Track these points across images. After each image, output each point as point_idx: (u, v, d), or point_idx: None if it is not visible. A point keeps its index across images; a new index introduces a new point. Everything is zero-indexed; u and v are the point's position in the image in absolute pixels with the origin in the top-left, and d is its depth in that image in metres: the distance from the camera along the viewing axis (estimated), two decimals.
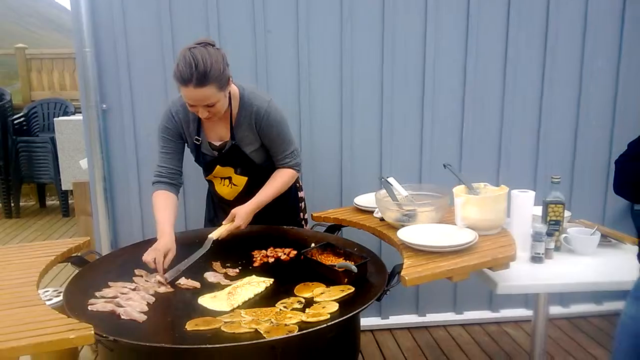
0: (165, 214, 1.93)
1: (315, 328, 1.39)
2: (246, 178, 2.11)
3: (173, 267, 1.80)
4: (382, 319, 3.07)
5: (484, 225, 1.84)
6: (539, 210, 2.07)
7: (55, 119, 4.49)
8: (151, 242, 1.94)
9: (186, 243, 2.02)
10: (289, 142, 2.09)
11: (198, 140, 2.06)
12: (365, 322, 2.98)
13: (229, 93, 1.97)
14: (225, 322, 1.51)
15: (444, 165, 2.07)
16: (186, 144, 2.12)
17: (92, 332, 1.24)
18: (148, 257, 1.78)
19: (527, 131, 2.94)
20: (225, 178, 2.13)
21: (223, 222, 2.01)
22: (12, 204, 5.39)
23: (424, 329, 3.08)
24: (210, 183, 2.20)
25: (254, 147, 2.06)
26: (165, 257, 1.79)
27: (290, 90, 2.72)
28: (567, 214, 2.11)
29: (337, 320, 1.42)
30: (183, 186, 2.63)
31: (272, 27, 2.65)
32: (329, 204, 2.62)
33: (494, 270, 1.70)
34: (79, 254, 1.86)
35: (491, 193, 1.94)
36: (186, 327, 1.48)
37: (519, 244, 1.83)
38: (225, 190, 2.15)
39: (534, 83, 2.90)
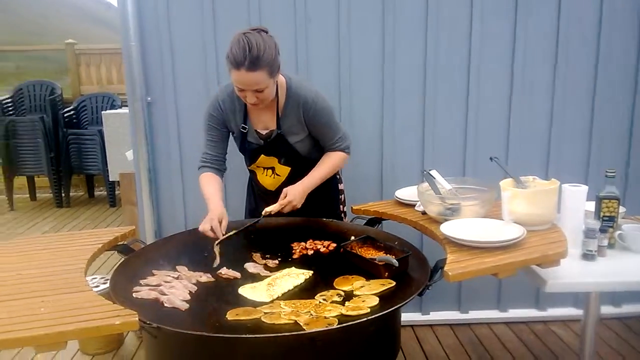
0: (213, 189, 2.05)
1: (356, 322, 1.37)
2: (289, 168, 2.11)
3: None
4: (422, 314, 3.01)
5: (532, 221, 1.77)
6: (591, 206, 1.98)
7: (103, 112, 4.62)
8: (192, 232, 1.97)
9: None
10: (337, 128, 2.12)
11: (245, 129, 2.07)
12: (406, 317, 2.94)
13: (277, 82, 1.97)
14: (265, 313, 1.51)
15: (491, 158, 2.00)
16: (231, 133, 2.14)
17: (137, 319, 1.25)
18: (204, 226, 1.88)
19: (578, 122, 2.82)
20: (268, 168, 2.14)
21: (279, 202, 2.04)
22: (63, 194, 5.59)
23: (467, 326, 3.01)
24: (253, 173, 2.22)
25: (299, 138, 2.07)
26: (220, 223, 1.90)
27: (331, 80, 2.69)
28: (621, 209, 2.00)
29: (377, 315, 1.40)
30: (224, 178, 2.70)
31: (313, 16, 2.62)
32: (369, 197, 2.58)
33: (543, 267, 1.63)
34: (125, 243, 1.90)
35: (541, 187, 1.86)
36: (227, 316, 1.49)
37: (570, 241, 1.75)
38: (267, 180, 2.16)
39: (586, 72, 2.76)
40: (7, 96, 5.61)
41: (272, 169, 2.14)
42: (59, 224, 5.11)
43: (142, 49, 2.59)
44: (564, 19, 2.68)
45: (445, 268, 1.53)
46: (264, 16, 2.60)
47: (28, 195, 5.88)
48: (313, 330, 1.36)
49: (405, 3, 2.64)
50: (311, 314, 1.48)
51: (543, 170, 2.82)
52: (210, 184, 2.07)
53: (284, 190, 2.03)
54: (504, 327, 3.00)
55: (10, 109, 5.60)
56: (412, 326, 3.00)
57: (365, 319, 1.38)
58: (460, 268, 1.53)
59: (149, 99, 2.66)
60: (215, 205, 1.97)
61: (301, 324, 1.42)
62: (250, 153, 2.13)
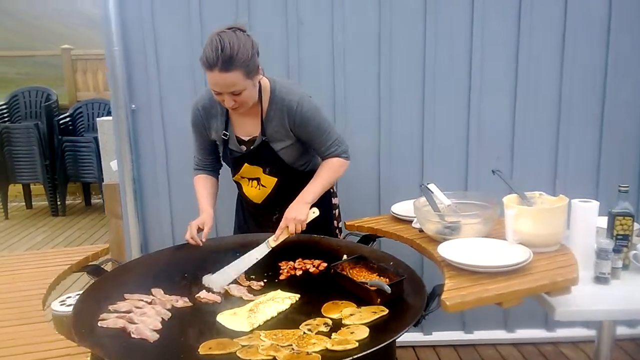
0: (204, 193, 2.03)
1: None
2: (275, 179, 1.97)
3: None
4: (424, 334, 2.85)
5: (539, 242, 1.61)
6: (603, 223, 1.81)
7: (98, 119, 4.50)
8: (171, 251, 1.85)
9: (211, 250, 1.92)
10: (330, 132, 1.97)
11: (226, 135, 1.94)
12: (406, 337, 2.72)
13: (259, 86, 1.84)
14: (242, 346, 1.36)
15: (493, 172, 1.84)
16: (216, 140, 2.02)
17: (88, 359, 1.11)
18: (187, 235, 1.87)
19: (588, 134, 2.65)
20: (253, 179, 2.00)
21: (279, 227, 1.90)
22: (59, 202, 5.48)
23: (471, 347, 2.83)
24: (239, 185, 2.08)
25: (284, 145, 1.92)
26: (200, 230, 1.88)
27: (324, 87, 2.55)
28: (636, 227, 1.84)
29: (365, 353, 1.24)
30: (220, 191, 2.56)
31: (305, 18, 2.48)
32: (365, 211, 2.42)
33: (552, 295, 1.47)
34: (96, 263, 1.76)
35: (548, 204, 1.70)
36: (199, 350, 1.34)
37: (580, 262, 1.59)
38: (253, 192, 2.02)
39: (595, 78, 2.60)
40: (1, 102, 5.51)
41: (258, 179, 2.00)
42: (52, 233, 4.99)
43: (125, 53, 2.47)
44: (571, 20, 2.52)
45: (443, 296, 1.38)
46: (254, 19, 2.47)
47: (24, 203, 5.77)
48: None
49: (402, 5, 2.49)
50: (292, 349, 1.33)
51: (550, 183, 2.65)
52: (201, 188, 2.05)
53: (284, 215, 1.90)
54: (511, 348, 2.82)
55: (5, 115, 5.50)
56: (413, 347, 2.84)
57: (350, 358, 1.22)
58: (460, 297, 1.37)
59: (133, 106, 2.53)
60: (202, 211, 1.96)
61: None
62: (233, 162, 2.00)
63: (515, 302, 1.40)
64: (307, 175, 1.98)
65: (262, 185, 2.00)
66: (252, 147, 1.94)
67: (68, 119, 5.50)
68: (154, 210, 2.67)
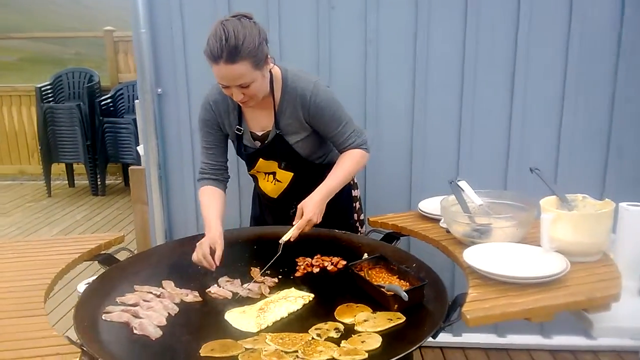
0: (211, 209, 1.83)
1: None
2: (291, 174, 1.87)
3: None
4: (453, 335, 2.71)
5: (579, 250, 1.45)
6: None
7: (136, 100, 4.53)
8: (197, 238, 1.78)
9: (227, 243, 1.84)
10: (347, 122, 1.84)
11: (240, 130, 1.85)
12: None
13: (271, 76, 1.74)
14: (245, 349, 1.29)
15: (531, 170, 1.68)
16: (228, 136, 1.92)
17: None
18: (195, 256, 1.68)
19: None
20: (269, 173, 1.91)
21: (293, 222, 1.77)
22: (99, 182, 5.59)
23: (504, 351, 2.68)
24: (255, 178, 2.00)
25: (299, 137, 1.82)
26: (213, 252, 1.68)
27: (355, 74, 2.41)
28: None
29: None
30: (239, 182, 2.49)
31: (337, 2, 2.35)
32: (395, 207, 2.29)
33: (589, 312, 1.32)
34: (108, 252, 1.72)
35: (591, 209, 1.54)
36: (200, 351, 1.28)
37: (627, 272, 1.44)
38: (268, 186, 1.94)
39: None
40: (46, 83, 5.64)
41: (273, 174, 1.91)
42: (92, 212, 5.09)
43: (152, 37, 2.41)
44: (629, 18, 2.28)
45: (464, 308, 1.26)
46: (283, 3, 2.35)
47: (67, 182, 5.92)
48: None
49: None
50: (297, 356, 1.25)
51: (599, 186, 2.43)
52: (207, 203, 1.86)
53: (299, 206, 1.76)
54: (547, 355, 2.66)
55: (49, 95, 5.63)
56: (441, 348, 2.71)
57: None
58: (483, 310, 1.25)
59: (160, 90, 2.48)
60: (209, 229, 1.75)
61: None
62: (248, 157, 1.91)
63: (546, 319, 1.26)
64: (324, 168, 1.87)
65: (278, 180, 1.91)
66: (266, 142, 1.85)
67: (109, 100, 5.57)
68: (179, 197, 2.63)
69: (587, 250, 1.45)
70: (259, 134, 1.86)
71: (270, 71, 1.74)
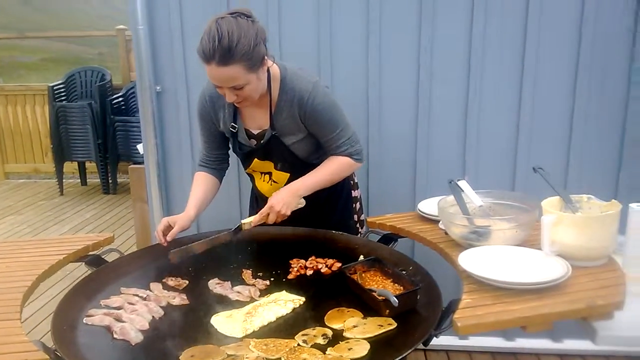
0: (194, 192, 1.87)
1: None
2: (288, 175, 1.82)
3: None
4: (459, 338, 2.63)
5: (582, 255, 1.37)
6: None
7: None
8: (193, 238, 1.75)
9: (226, 243, 1.80)
10: (344, 128, 1.77)
11: (234, 128, 1.80)
12: (439, 340, 2.53)
13: (269, 75, 1.68)
14: (227, 355, 1.24)
15: (534, 169, 1.60)
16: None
17: None
18: (156, 229, 1.74)
19: None
20: (265, 173, 1.86)
21: (259, 212, 1.75)
22: (110, 181, 5.61)
23: (511, 355, 2.60)
24: (251, 177, 1.95)
25: (296, 138, 1.76)
26: (169, 228, 1.71)
27: (358, 68, 2.34)
28: None
29: None
30: (239, 182, 2.45)
31: None
32: (398, 207, 2.22)
33: (590, 320, 1.24)
34: (96, 253, 1.68)
35: (596, 210, 1.45)
36: (180, 357, 1.23)
37: (634, 275, 1.35)
38: (265, 186, 1.89)
39: None
40: (59, 82, 5.67)
41: (269, 174, 1.85)
42: (101, 210, 5.11)
43: (150, 32, 2.38)
44: None
45: (456, 315, 1.19)
46: None
47: (79, 180, 5.96)
48: None
49: None
50: None
51: (612, 185, 2.32)
52: (195, 185, 1.89)
53: (270, 197, 1.74)
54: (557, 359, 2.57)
55: (62, 94, 5.66)
56: (446, 351, 2.64)
57: None
58: (475, 317, 1.18)
59: (158, 88, 2.44)
60: (186, 209, 1.80)
61: None
62: (243, 156, 1.86)
63: (543, 327, 1.19)
64: None
65: (274, 181, 1.86)
66: (261, 142, 1.79)
67: (121, 99, 5.58)
68: (178, 195, 2.59)
69: (591, 255, 1.37)
70: (255, 132, 1.81)
71: (268, 69, 1.69)
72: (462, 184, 1.66)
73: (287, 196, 1.71)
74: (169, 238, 1.69)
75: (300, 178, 1.75)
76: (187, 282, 1.60)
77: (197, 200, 1.82)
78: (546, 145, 2.35)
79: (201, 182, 1.88)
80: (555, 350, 2.59)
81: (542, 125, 2.33)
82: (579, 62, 2.25)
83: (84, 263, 1.63)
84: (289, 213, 1.71)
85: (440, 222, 1.70)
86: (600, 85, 2.27)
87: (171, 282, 1.60)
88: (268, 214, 1.70)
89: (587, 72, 2.25)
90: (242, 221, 1.70)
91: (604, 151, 2.33)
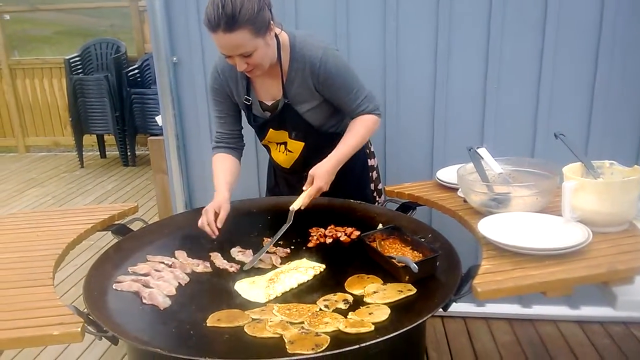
0: (220, 176, 1.82)
1: (348, 349, 1.10)
2: (302, 144, 1.83)
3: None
4: (477, 305, 2.66)
5: (603, 220, 1.37)
6: None
7: None
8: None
9: (241, 213, 1.84)
10: (359, 88, 1.77)
11: (248, 100, 1.80)
12: (457, 307, 2.52)
13: (278, 43, 1.68)
14: (252, 319, 1.28)
15: (556, 135, 1.59)
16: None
17: (79, 329, 1.06)
18: (200, 222, 1.66)
19: None
20: (280, 143, 1.87)
21: (304, 188, 1.74)
22: (129, 153, 5.68)
23: (529, 322, 2.62)
24: (267, 149, 1.96)
25: (309, 106, 1.77)
26: (217, 215, 1.67)
27: (374, 37, 2.31)
28: None
29: (376, 341, 1.11)
30: (257, 153, 2.46)
31: None
32: (416, 176, 2.22)
33: (610, 285, 1.25)
34: (121, 222, 1.73)
35: (618, 176, 1.44)
36: (207, 321, 1.27)
37: None
38: (281, 157, 1.90)
39: None
40: (75, 55, 5.69)
41: (285, 144, 1.86)
42: (122, 182, 5.19)
43: (166, 5, 2.37)
44: None
45: (475, 281, 1.21)
46: None
47: (99, 153, 6.04)
48: (294, 353, 1.11)
49: None
50: (302, 328, 1.23)
51: (632, 152, 2.29)
52: (218, 170, 1.84)
53: (310, 172, 1.72)
54: (575, 326, 2.58)
55: (78, 67, 5.68)
56: (464, 318, 2.67)
57: (357, 346, 1.10)
58: (495, 282, 1.20)
59: (175, 58, 2.45)
60: (217, 192, 1.75)
61: (286, 340, 1.18)
62: (258, 128, 1.87)
63: (563, 292, 1.20)
64: (336, 137, 1.81)
65: (289, 151, 1.87)
66: (276, 112, 1.80)
67: (136, 70, 5.59)
68: (198, 165, 2.62)
69: (612, 220, 1.37)
70: (269, 103, 1.81)
71: (277, 38, 1.68)
72: (482, 151, 1.66)
73: (330, 173, 1.72)
74: (219, 224, 1.66)
75: (334, 151, 1.75)
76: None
77: (228, 180, 1.80)
78: (567, 113, 2.31)
79: (224, 162, 1.86)
80: (573, 317, 2.60)
81: (563, 92, 2.29)
82: (602, 30, 2.19)
83: (110, 232, 1.68)
84: (327, 189, 1.73)
85: (459, 189, 1.71)
86: (623, 52, 2.21)
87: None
88: (314, 193, 1.70)
89: (609, 40, 2.20)
90: (293, 206, 1.67)
91: (626, 118, 2.29)
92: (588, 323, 2.58)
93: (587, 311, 2.59)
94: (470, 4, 2.24)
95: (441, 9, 2.25)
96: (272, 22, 1.60)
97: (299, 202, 1.69)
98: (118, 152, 5.72)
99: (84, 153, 5.78)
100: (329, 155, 1.75)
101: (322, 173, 1.71)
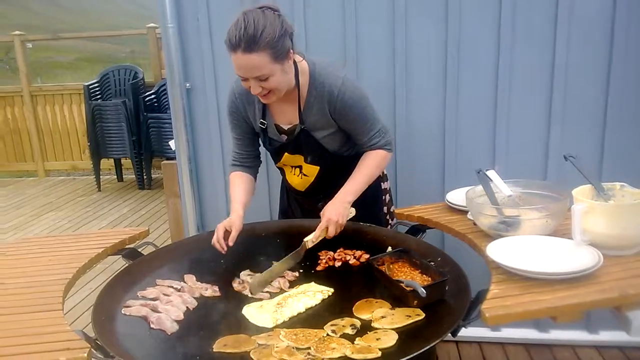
0: (236, 193, 1.87)
1: None
2: (318, 168, 1.84)
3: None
4: (492, 330, 2.61)
5: (614, 244, 1.34)
6: None
7: None
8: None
9: (253, 235, 1.86)
10: (374, 121, 1.79)
11: (263, 124, 1.82)
12: (471, 332, 2.55)
13: (297, 70, 1.70)
14: (258, 345, 1.28)
15: (565, 157, 1.57)
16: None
17: (85, 355, 1.07)
18: (213, 239, 1.71)
19: None
20: (295, 167, 1.89)
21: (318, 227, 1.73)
22: (145, 176, 5.75)
23: (546, 347, 2.56)
24: (282, 171, 1.98)
25: (326, 132, 1.78)
26: (228, 234, 1.71)
27: (384, 59, 2.33)
28: None
29: None
30: (267, 175, 2.48)
31: None
32: (427, 197, 2.22)
33: (623, 310, 1.22)
34: (132, 246, 1.75)
35: (629, 198, 1.42)
36: (214, 347, 1.27)
37: None
38: (295, 180, 1.91)
39: None
40: (94, 81, 5.83)
41: (300, 167, 1.88)
42: (137, 205, 5.25)
43: (179, 30, 2.42)
44: None
45: (484, 306, 1.19)
46: None
47: (116, 176, 6.13)
48: None
49: None
50: (309, 354, 1.22)
51: None
52: (233, 187, 1.89)
53: (322, 213, 1.74)
54: (593, 352, 2.51)
55: (97, 93, 5.82)
56: (479, 343, 2.61)
57: None
58: (503, 307, 1.18)
59: (188, 85, 2.49)
60: (231, 212, 1.80)
61: None
62: (273, 151, 1.89)
63: (574, 318, 1.18)
64: (351, 161, 1.83)
65: (304, 175, 1.88)
66: (292, 136, 1.82)
67: (153, 96, 5.70)
68: (210, 190, 2.65)
69: (623, 243, 1.34)
70: (285, 127, 1.83)
71: (296, 65, 1.71)
72: (491, 173, 1.65)
73: (339, 207, 1.72)
74: (230, 242, 1.70)
75: (343, 187, 1.77)
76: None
77: (242, 199, 1.84)
78: (579, 133, 2.29)
79: (240, 182, 1.90)
80: (592, 342, 2.53)
81: (575, 113, 2.27)
82: (613, 47, 2.18)
83: (121, 256, 1.69)
84: (343, 222, 1.72)
85: (469, 212, 1.69)
86: (636, 70, 2.20)
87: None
88: (327, 228, 1.70)
89: (622, 58, 2.18)
90: (305, 240, 1.68)
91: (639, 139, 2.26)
92: (607, 348, 2.51)
93: (606, 336, 2.52)
94: (479, 33, 2.25)
95: (450, 34, 2.26)
96: (292, 50, 1.63)
97: (311, 236, 1.69)
98: (134, 176, 5.80)
99: (101, 176, 5.88)
100: (338, 192, 1.76)
101: (330, 209, 1.72)
